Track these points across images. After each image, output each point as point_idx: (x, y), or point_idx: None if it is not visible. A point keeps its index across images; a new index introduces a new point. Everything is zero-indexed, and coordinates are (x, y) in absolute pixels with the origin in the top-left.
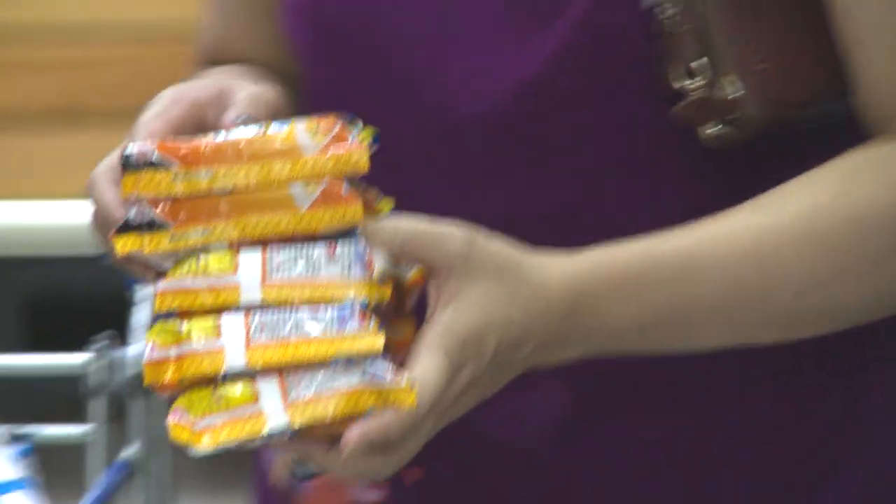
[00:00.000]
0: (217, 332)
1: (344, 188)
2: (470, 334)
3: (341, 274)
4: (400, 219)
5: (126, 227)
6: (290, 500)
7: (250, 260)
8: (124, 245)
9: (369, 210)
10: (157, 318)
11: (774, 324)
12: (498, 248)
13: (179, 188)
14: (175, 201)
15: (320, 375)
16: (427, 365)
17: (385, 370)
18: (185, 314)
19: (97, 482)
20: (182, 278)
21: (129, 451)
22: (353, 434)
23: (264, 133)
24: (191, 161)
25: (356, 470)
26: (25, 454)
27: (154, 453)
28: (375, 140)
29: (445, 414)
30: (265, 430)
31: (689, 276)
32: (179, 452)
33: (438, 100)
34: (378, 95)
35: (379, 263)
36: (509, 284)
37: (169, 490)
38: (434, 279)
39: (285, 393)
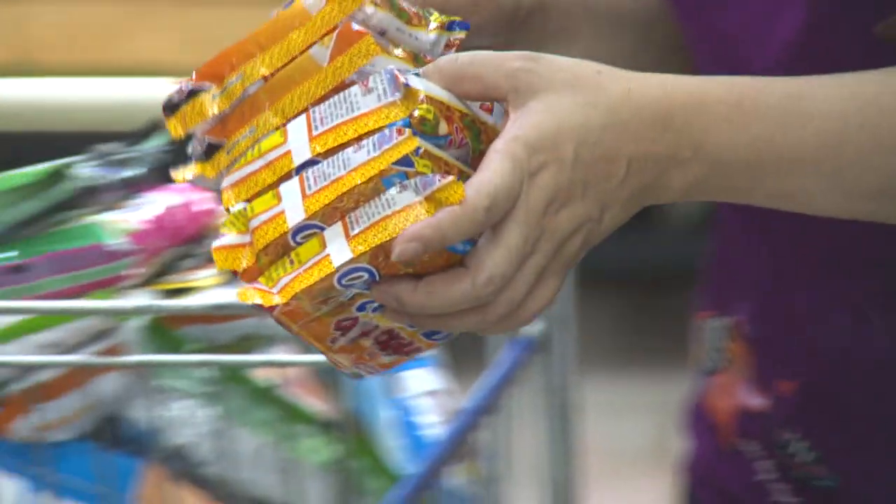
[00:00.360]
0: (277, 199)
1: (353, 26)
2: (539, 137)
3: (378, 102)
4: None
5: (188, 161)
6: (699, 395)
7: (296, 126)
8: (184, 177)
9: None
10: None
11: (880, 195)
12: (569, 62)
13: (220, 105)
14: (221, 119)
15: (376, 205)
16: (487, 168)
17: (437, 179)
18: (252, 199)
19: (499, 359)
20: (241, 169)
21: (533, 329)
22: (404, 234)
23: (277, 15)
24: (222, 73)
25: (442, 301)
26: None
27: (558, 331)
28: (461, 26)
29: (542, 231)
30: (332, 268)
31: (794, 115)
32: (584, 331)
33: (733, 53)
34: (700, 37)
35: (432, 90)
36: (585, 92)
37: (572, 368)
38: (504, 102)
39: (348, 232)
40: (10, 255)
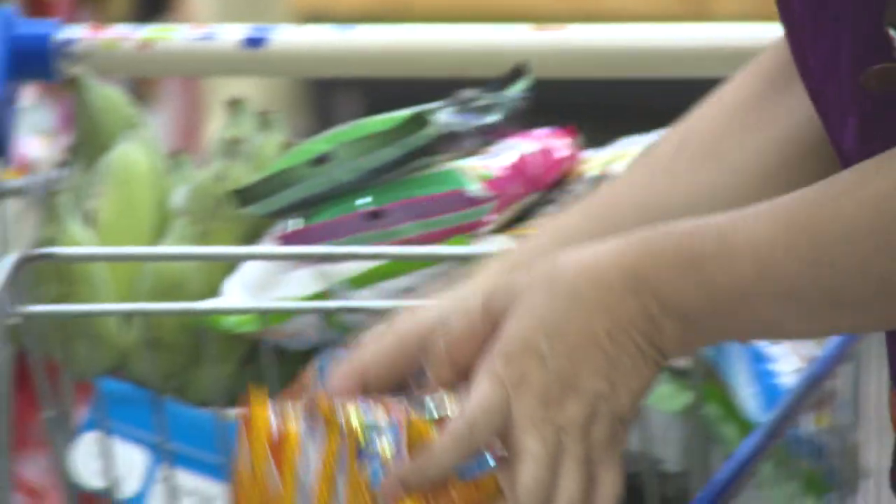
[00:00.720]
0: None
1: (273, 437)
2: (510, 345)
3: (315, 450)
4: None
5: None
6: None
7: None
8: None
9: None
10: None
11: (839, 306)
12: (525, 270)
13: None
14: None
15: None
16: (469, 393)
17: (399, 436)
18: None
19: None
20: None
21: None
22: (384, 481)
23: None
24: None
25: None
26: None
27: None
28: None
29: (558, 427)
30: None
31: (727, 251)
32: None
33: (820, 105)
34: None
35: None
36: (541, 284)
37: None
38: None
39: None
40: (366, 202)
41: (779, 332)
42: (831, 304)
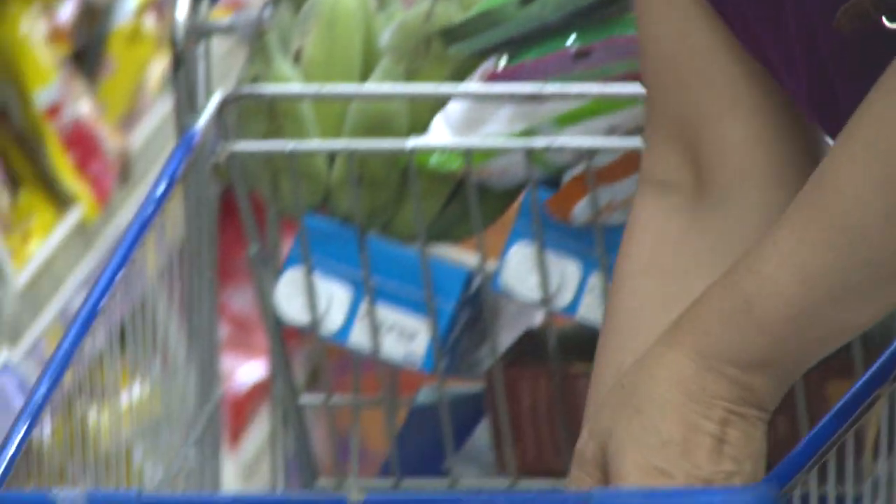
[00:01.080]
0: None
1: None
2: (619, 478)
3: None
4: None
5: None
6: None
7: None
8: None
9: None
10: None
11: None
12: (596, 420)
13: None
14: None
15: None
16: None
17: None
18: None
19: None
20: None
21: None
22: None
23: None
24: None
25: None
26: None
27: None
28: None
29: None
30: None
31: (766, 285)
32: None
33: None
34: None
35: None
36: (626, 413)
37: None
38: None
39: None
40: (573, 41)
41: (854, 327)
42: (876, 273)
